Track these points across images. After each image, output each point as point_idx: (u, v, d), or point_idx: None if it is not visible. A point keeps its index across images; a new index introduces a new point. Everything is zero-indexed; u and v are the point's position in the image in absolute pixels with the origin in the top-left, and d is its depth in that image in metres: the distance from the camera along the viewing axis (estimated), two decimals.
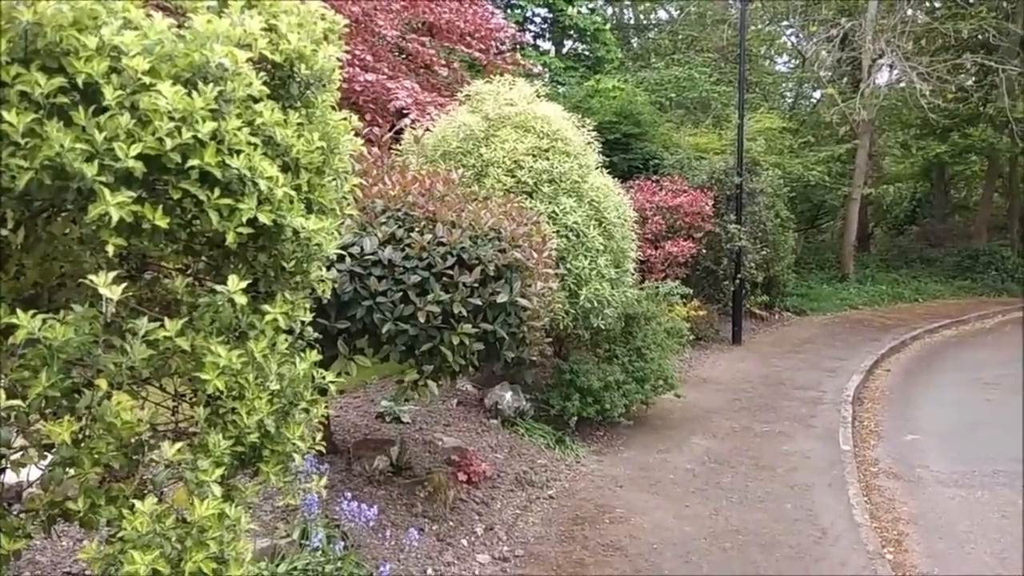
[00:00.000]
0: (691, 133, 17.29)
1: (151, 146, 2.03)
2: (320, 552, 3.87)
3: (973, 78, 20.72)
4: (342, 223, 2.84)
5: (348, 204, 2.86)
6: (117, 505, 2.27)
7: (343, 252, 4.55)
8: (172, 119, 2.05)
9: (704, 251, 12.87)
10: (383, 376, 7.85)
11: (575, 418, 7.68)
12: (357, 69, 8.76)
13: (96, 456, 2.17)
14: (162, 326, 2.16)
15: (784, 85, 27.76)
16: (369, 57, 9.10)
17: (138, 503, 2.10)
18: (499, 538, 5.41)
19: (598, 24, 18.85)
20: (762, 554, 5.42)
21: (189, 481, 2.24)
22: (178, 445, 2.18)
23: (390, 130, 6.24)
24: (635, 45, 25.11)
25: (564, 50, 20.28)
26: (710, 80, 18.97)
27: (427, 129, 7.53)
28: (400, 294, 4.54)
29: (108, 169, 1.98)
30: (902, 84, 19.41)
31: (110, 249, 2.03)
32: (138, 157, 2.01)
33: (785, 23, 21.85)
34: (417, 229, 4.72)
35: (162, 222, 2.09)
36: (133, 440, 2.22)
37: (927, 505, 6.67)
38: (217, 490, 2.25)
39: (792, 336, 14.66)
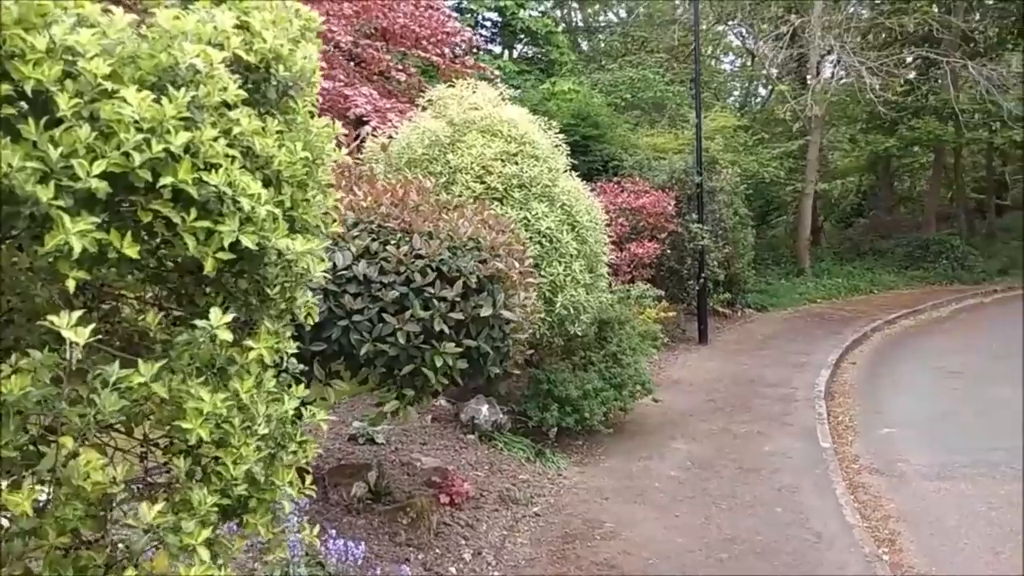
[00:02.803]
0: (648, 134, 17.24)
1: (116, 162, 1.74)
2: None
3: (915, 72, 21.13)
4: (330, 243, 2.56)
5: (333, 221, 2.59)
6: None
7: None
8: (140, 130, 1.77)
9: (668, 251, 12.78)
10: (353, 394, 7.52)
11: (555, 429, 7.46)
12: None
13: (62, 523, 1.86)
14: (136, 371, 1.86)
15: (731, 84, 28.04)
16: (324, 64, 8.76)
17: None
18: (488, 563, 5.15)
19: (549, 27, 18.72)
20: (760, 563, 5.26)
21: (171, 545, 1.94)
22: (158, 506, 1.88)
23: (355, 139, 5.94)
24: (585, 48, 25.08)
25: (515, 54, 20.11)
26: (664, 80, 18.97)
27: (390, 136, 7.25)
28: (377, 312, 4.26)
29: (66, 191, 1.69)
30: (844, 81, 19.71)
31: (70, 284, 1.73)
32: (102, 176, 1.72)
33: (733, 22, 22.00)
34: (392, 242, 4.44)
35: (131, 251, 1.80)
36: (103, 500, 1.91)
37: (913, 500, 6.61)
38: (205, 554, 1.96)
39: (756, 332, 14.67)
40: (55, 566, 1.92)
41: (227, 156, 2.01)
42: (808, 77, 19.72)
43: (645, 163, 14.37)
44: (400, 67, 10.23)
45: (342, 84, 8.60)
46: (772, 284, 18.95)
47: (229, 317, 1.98)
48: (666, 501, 6.42)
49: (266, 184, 2.20)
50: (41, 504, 1.81)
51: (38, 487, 1.77)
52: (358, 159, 7.04)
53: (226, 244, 1.95)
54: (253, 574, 4.16)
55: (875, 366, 12.07)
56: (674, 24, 20.12)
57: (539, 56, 19.20)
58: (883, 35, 19.75)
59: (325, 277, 2.91)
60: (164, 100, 1.82)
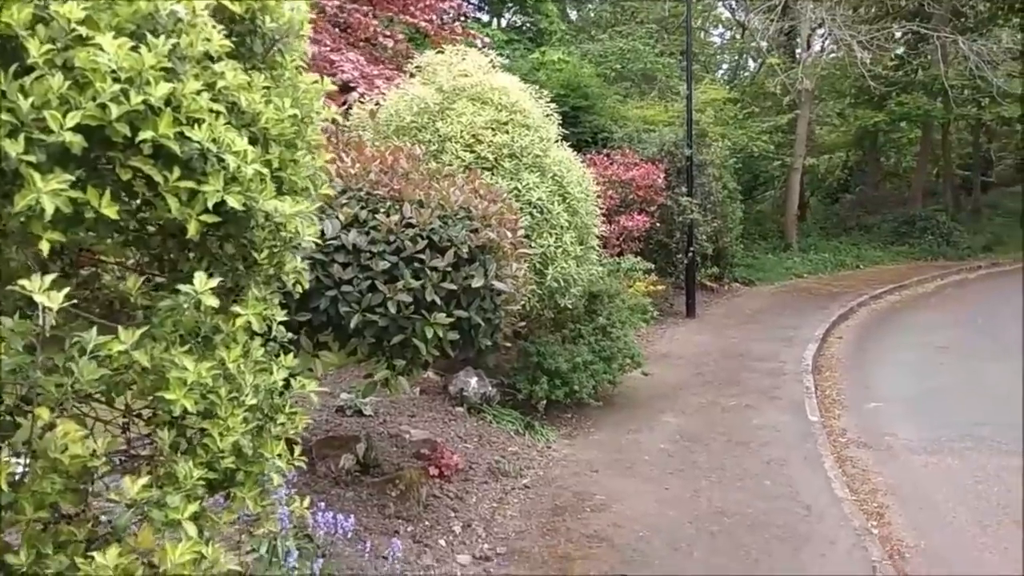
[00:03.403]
0: (638, 106, 17.08)
1: (92, 114, 1.62)
2: (296, 571, 3.49)
3: (905, 46, 21.00)
4: (320, 206, 2.45)
5: (323, 183, 2.47)
6: (68, 553, 1.87)
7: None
8: (117, 80, 1.64)
9: (657, 225, 12.69)
10: (340, 366, 7.42)
11: (544, 402, 7.40)
12: None
13: (41, 498, 1.77)
14: (115, 338, 1.76)
15: (720, 57, 27.82)
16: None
17: (98, 555, 1.71)
18: (478, 535, 5.10)
19: None
20: (750, 536, 5.24)
21: (156, 520, 1.85)
22: (142, 480, 1.79)
23: (342, 105, 5.78)
24: (574, 17, 24.76)
25: (504, 23, 19.81)
26: (654, 52, 18.75)
27: (378, 103, 7.08)
28: (367, 282, 4.15)
29: (37, 145, 1.57)
30: (834, 55, 19.55)
31: (44, 247, 1.62)
32: (77, 129, 1.60)
33: None
34: (382, 210, 4.33)
35: (110, 211, 1.68)
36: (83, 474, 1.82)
37: (901, 474, 6.62)
38: (192, 530, 1.87)
39: (744, 307, 14.67)
40: (34, 541, 1.82)
41: (211, 111, 1.89)
42: (798, 51, 19.58)
43: (635, 135, 14.23)
44: (387, 33, 10.00)
45: (328, 49, 8.39)
46: (759, 259, 18.95)
47: (214, 282, 1.87)
48: (656, 474, 6.39)
49: (252, 142, 2.08)
50: (17, 477, 1.71)
51: (13, 460, 1.67)
52: (345, 126, 6.88)
53: (210, 205, 1.84)
54: (240, 547, 4.09)
55: (862, 341, 12.09)
56: None
57: (528, 25, 18.92)
58: (874, 8, 19.58)
59: (315, 244, 2.81)
60: (143, 49, 1.69)
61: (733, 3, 25.07)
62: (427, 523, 5.07)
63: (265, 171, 2.03)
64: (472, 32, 11.76)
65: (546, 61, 14.93)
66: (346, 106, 7.08)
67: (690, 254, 13.21)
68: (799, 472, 6.45)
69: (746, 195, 23.24)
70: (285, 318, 3.65)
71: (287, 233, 2.20)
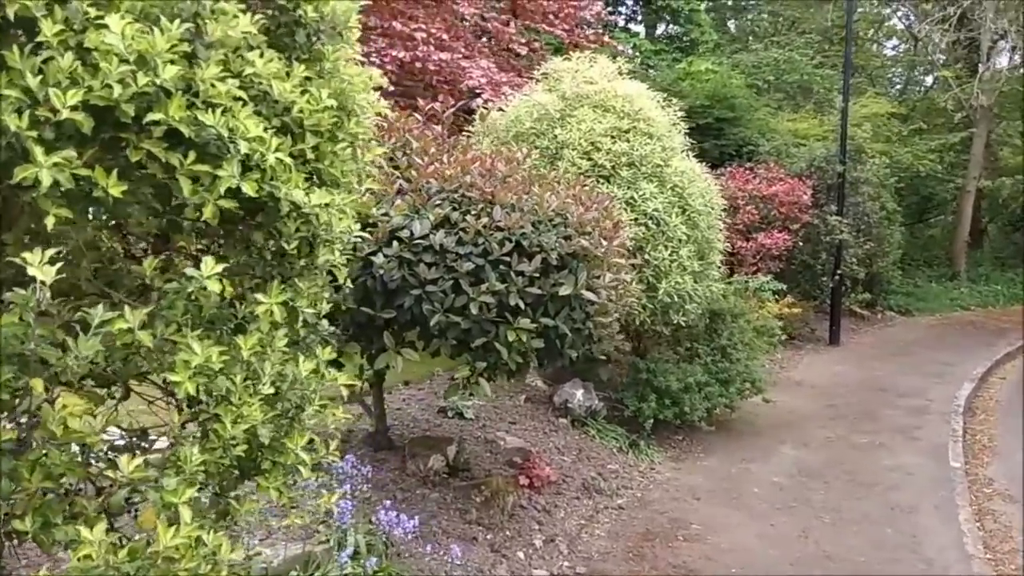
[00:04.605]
0: (790, 118, 16.25)
1: (99, 95, 1.65)
2: (350, 566, 3.50)
3: None
4: (361, 197, 2.42)
5: (370, 177, 2.44)
6: (78, 524, 1.92)
7: (395, 236, 4.19)
8: (125, 61, 1.67)
9: (801, 244, 12.01)
10: (448, 368, 7.48)
11: (651, 420, 7.12)
12: (432, 48, 8.39)
13: (47, 469, 1.82)
14: (120, 316, 1.79)
15: (893, 70, 26.03)
16: (445, 36, 8.72)
17: (84, 530, 1.74)
18: (560, 552, 4.95)
19: (693, 5, 17.98)
20: None
21: (155, 503, 1.87)
22: (137, 460, 1.81)
23: (453, 106, 5.82)
24: (732, 27, 23.99)
25: (657, 33, 19.48)
26: (812, 63, 17.81)
27: (500, 109, 7.09)
28: (452, 283, 4.12)
29: (44, 122, 1.61)
30: (1022, 69, 17.79)
31: (50, 221, 1.67)
32: (83, 108, 1.64)
33: (896, 3, 20.36)
34: (473, 212, 4.29)
35: (116, 190, 1.71)
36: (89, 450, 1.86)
37: None
38: (187, 514, 1.87)
39: (896, 337, 13.60)
40: (43, 510, 1.88)
41: (236, 98, 1.89)
42: (979, 64, 17.97)
43: (783, 149, 13.55)
44: (524, 41, 10.04)
45: (460, 56, 8.52)
46: (921, 287, 17.55)
47: (220, 268, 1.87)
48: (763, 508, 5.98)
49: (284, 131, 2.08)
50: (15, 446, 1.76)
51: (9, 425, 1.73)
52: (468, 131, 6.94)
53: (222, 190, 1.84)
54: (317, 533, 4.15)
55: None
56: (829, 3, 18.78)
57: (680, 36, 18.50)
58: None
59: (362, 237, 2.79)
60: (156, 31, 1.71)
61: (910, 15, 23.44)
62: (508, 533, 4.97)
63: (290, 160, 2.01)
64: (611, 40, 11.61)
65: (693, 71, 14.51)
66: (466, 109, 7.14)
67: (836, 277, 12.39)
68: (928, 522, 5.84)
69: (915, 218, 21.66)
70: (357, 310, 3.68)
71: (319, 225, 2.17)
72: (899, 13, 23.54)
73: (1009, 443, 8.13)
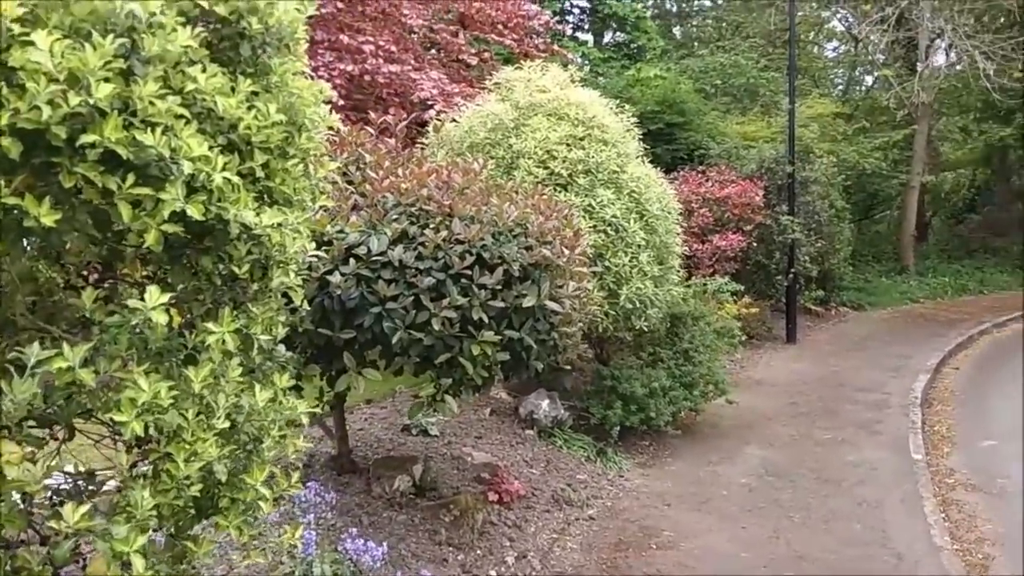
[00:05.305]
0: (738, 121, 16.47)
1: (26, 116, 1.53)
2: None
3: None
4: (315, 215, 2.31)
5: (324, 194, 2.34)
6: None
7: (351, 253, 4.08)
8: (55, 80, 1.55)
9: (755, 244, 12.13)
10: (411, 385, 7.35)
11: (617, 428, 7.08)
12: (381, 60, 8.28)
13: None
14: (59, 354, 1.66)
15: (835, 71, 26.62)
16: (393, 48, 8.62)
17: None
18: (532, 568, 4.86)
19: (639, 12, 18.16)
20: None
21: (104, 552, 1.74)
22: (83, 508, 1.68)
23: (406, 119, 5.74)
24: (677, 34, 24.29)
25: (604, 41, 19.63)
26: (757, 66, 18.10)
27: (453, 120, 7.01)
28: (412, 299, 4.02)
29: None
30: (959, 66, 18.29)
31: None
32: (10, 132, 1.52)
33: (835, 6, 20.79)
34: (432, 226, 4.19)
35: (49, 219, 1.59)
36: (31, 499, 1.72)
37: (1013, 521, 5.94)
38: (140, 563, 1.74)
39: (850, 333, 13.82)
40: None
41: (178, 116, 1.78)
42: (917, 63, 18.43)
43: (733, 152, 13.71)
44: (474, 51, 9.98)
45: (411, 68, 8.43)
46: (871, 282, 17.88)
47: (166, 297, 1.75)
48: (733, 511, 5.97)
49: (231, 149, 1.97)
50: None
51: None
52: (421, 143, 6.85)
53: (166, 214, 1.72)
54: (281, 565, 4.00)
55: (980, 372, 11.12)
56: (771, 7, 19.13)
57: (628, 43, 18.66)
58: (1000, 17, 18.23)
59: (317, 256, 2.69)
60: (88, 48, 1.59)
61: (850, 16, 23.99)
62: (479, 552, 4.87)
63: (237, 179, 1.90)
64: (560, 49, 11.63)
65: (642, 78, 14.63)
66: (418, 122, 7.05)
67: (791, 276, 12.55)
68: (895, 516, 5.89)
69: (861, 215, 22.11)
70: (314, 331, 3.55)
71: (271, 247, 2.06)
72: (839, 15, 24.08)
73: (966, 432, 8.27)
